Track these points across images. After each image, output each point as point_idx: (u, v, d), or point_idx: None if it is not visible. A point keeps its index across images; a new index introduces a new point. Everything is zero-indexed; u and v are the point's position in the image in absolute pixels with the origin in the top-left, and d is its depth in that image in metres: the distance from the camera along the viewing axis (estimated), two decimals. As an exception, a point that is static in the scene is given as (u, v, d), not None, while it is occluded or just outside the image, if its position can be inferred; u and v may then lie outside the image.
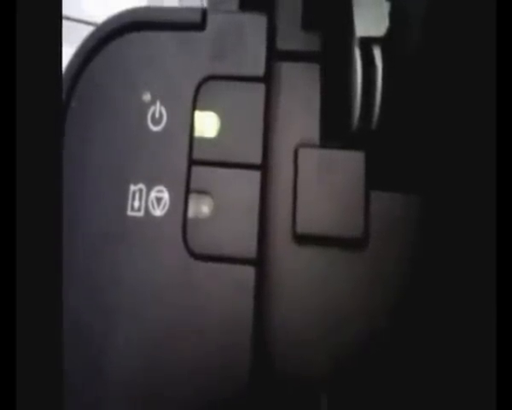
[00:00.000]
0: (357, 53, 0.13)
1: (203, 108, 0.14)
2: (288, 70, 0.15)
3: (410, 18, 0.14)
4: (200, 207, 0.13)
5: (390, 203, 0.13)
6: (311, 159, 0.14)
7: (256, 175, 0.13)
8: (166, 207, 0.13)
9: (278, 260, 0.13)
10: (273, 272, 0.13)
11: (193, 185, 0.13)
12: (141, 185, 0.13)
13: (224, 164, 0.13)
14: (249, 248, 0.13)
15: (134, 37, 0.15)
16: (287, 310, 0.13)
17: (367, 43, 0.13)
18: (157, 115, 0.14)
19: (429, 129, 0.14)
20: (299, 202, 0.13)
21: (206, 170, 0.13)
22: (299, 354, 0.13)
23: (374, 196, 0.13)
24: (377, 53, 0.13)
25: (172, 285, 0.13)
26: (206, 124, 0.14)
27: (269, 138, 0.14)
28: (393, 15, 0.14)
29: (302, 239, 0.13)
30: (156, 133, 0.14)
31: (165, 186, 0.13)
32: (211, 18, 0.15)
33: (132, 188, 0.13)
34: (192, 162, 0.14)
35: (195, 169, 0.13)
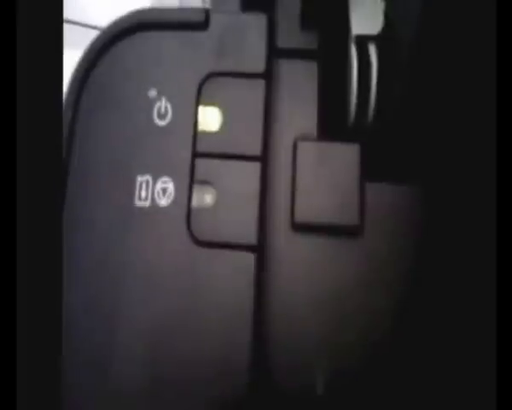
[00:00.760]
0: (354, 50, 0.14)
1: (206, 104, 0.14)
2: (287, 67, 0.15)
3: (405, 16, 0.14)
4: (204, 197, 0.14)
5: (384, 193, 0.14)
6: (309, 151, 0.14)
7: (256, 166, 0.14)
8: (172, 197, 0.14)
9: (277, 247, 0.14)
10: (272, 258, 0.14)
11: (197, 176, 0.14)
12: (147, 177, 0.14)
13: (226, 156, 0.14)
14: (250, 235, 0.13)
15: (141, 36, 0.15)
16: (285, 293, 0.13)
17: (363, 41, 0.14)
18: (162, 110, 0.15)
19: (422, 122, 0.14)
20: (297, 193, 0.14)
21: (209, 162, 0.14)
22: (296, 334, 0.13)
23: (368, 186, 0.14)
24: (372, 50, 0.14)
25: (177, 270, 0.13)
26: (209, 118, 0.14)
27: (269, 132, 0.14)
28: (388, 14, 0.14)
29: (300, 227, 0.14)
30: (162, 127, 0.14)
31: (171, 177, 0.14)
32: (214, 18, 0.15)
33: (139, 179, 0.14)
34: (196, 155, 0.14)
35: (199, 161, 0.14)
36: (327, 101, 0.15)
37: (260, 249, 0.13)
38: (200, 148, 0.14)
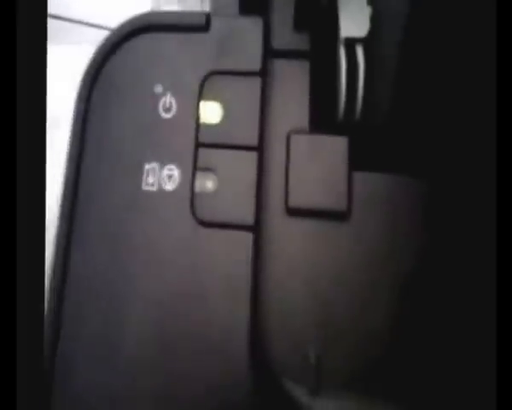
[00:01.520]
0: (342, 52, 0.15)
1: (207, 99, 0.16)
2: (281, 66, 0.16)
3: (394, 17, 0.15)
4: (206, 183, 0.15)
5: (370, 182, 0.15)
6: (302, 143, 0.15)
7: (253, 156, 0.15)
8: (177, 183, 0.15)
9: (272, 228, 0.15)
10: (268, 237, 0.15)
11: (199, 164, 0.15)
12: (154, 164, 0.15)
13: (226, 146, 0.15)
14: (247, 216, 0.15)
15: (147, 38, 0.16)
16: (279, 271, 0.14)
17: (351, 43, 0.15)
18: (167, 105, 0.16)
19: (408, 116, 0.15)
20: (290, 180, 0.15)
21: (210, 151, 0.15)
22: (289, 307, 0.14)
23: (355, 175, 0.15)
24: (360, 52, 0.15)
25: (182, 248, 0.14)
26: (210, 112, 0.16)
27: (265, 125, 0.16)
28: (374, 18, 0.15)
29: (293, 211, 0.15)
30: (167, 120, 0.16)
31: (176, 165, 0.15)
32: (214, 21, 0.16)
33: (147, 166, 0.15)
34: (198, 145, 0.15)
35: (201, 150, 0.15)
36: (318, 97, 0.16)
37: (257, 230, 0.15)
38: (202, 138, 0.15)
